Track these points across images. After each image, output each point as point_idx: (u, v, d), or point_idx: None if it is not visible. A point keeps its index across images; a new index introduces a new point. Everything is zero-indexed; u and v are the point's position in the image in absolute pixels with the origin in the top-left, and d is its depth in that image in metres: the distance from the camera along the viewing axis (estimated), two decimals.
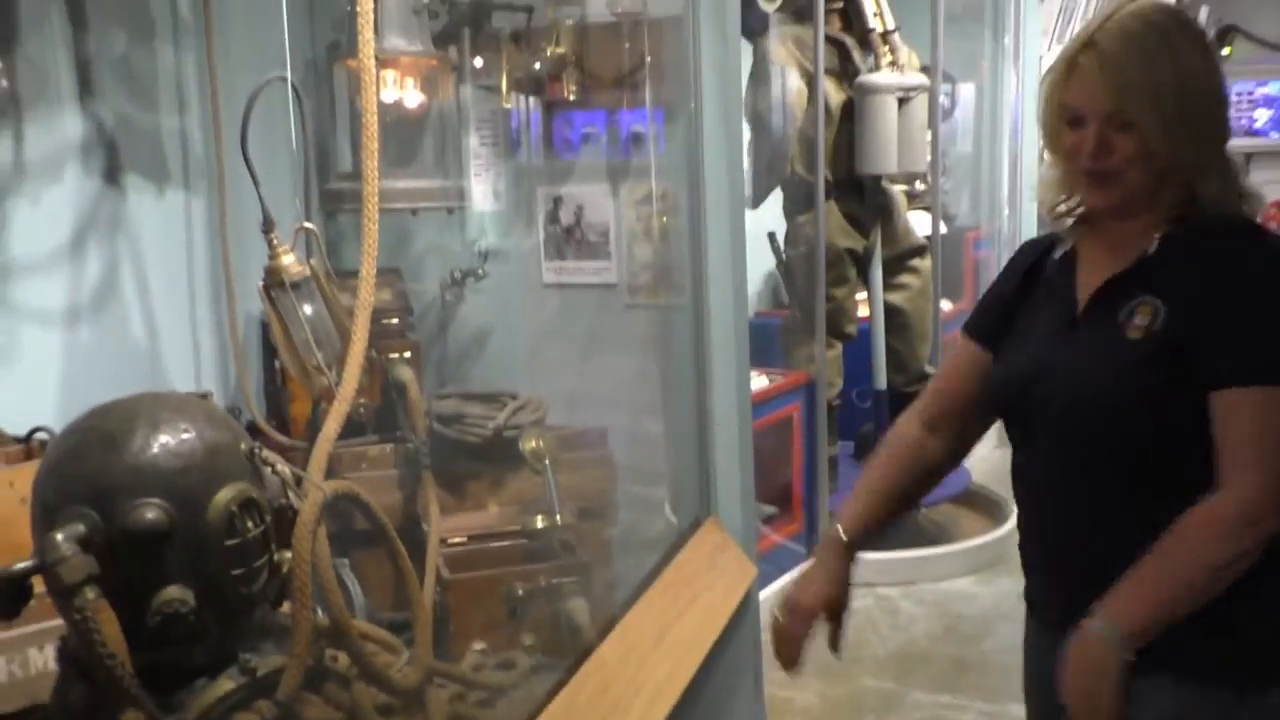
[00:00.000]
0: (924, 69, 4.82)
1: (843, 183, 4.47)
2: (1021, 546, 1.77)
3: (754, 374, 4.04)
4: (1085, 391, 1.57)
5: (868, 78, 4.41)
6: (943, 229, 5.69)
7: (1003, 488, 5.11)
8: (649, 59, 2.76)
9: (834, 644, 1.89)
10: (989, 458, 5.82)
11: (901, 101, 4.39)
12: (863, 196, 4.60)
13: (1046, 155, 1.69)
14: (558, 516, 2.60)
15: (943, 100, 5.90)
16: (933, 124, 5.19)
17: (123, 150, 2.79)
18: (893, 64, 4.44)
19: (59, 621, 1.58)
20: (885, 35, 4.46)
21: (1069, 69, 1.56)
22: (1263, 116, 11.94)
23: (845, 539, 1.87)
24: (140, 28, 2.83)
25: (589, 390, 2.92)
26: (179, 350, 2.94)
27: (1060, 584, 1.68)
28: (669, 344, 2.87)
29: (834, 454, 4.61)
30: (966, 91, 6.63)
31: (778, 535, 4.22)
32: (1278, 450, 1.47)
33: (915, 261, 4.92)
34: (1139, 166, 1.53)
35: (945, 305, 5.39)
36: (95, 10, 2.67)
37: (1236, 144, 11.65)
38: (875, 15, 4.48)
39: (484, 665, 2.11)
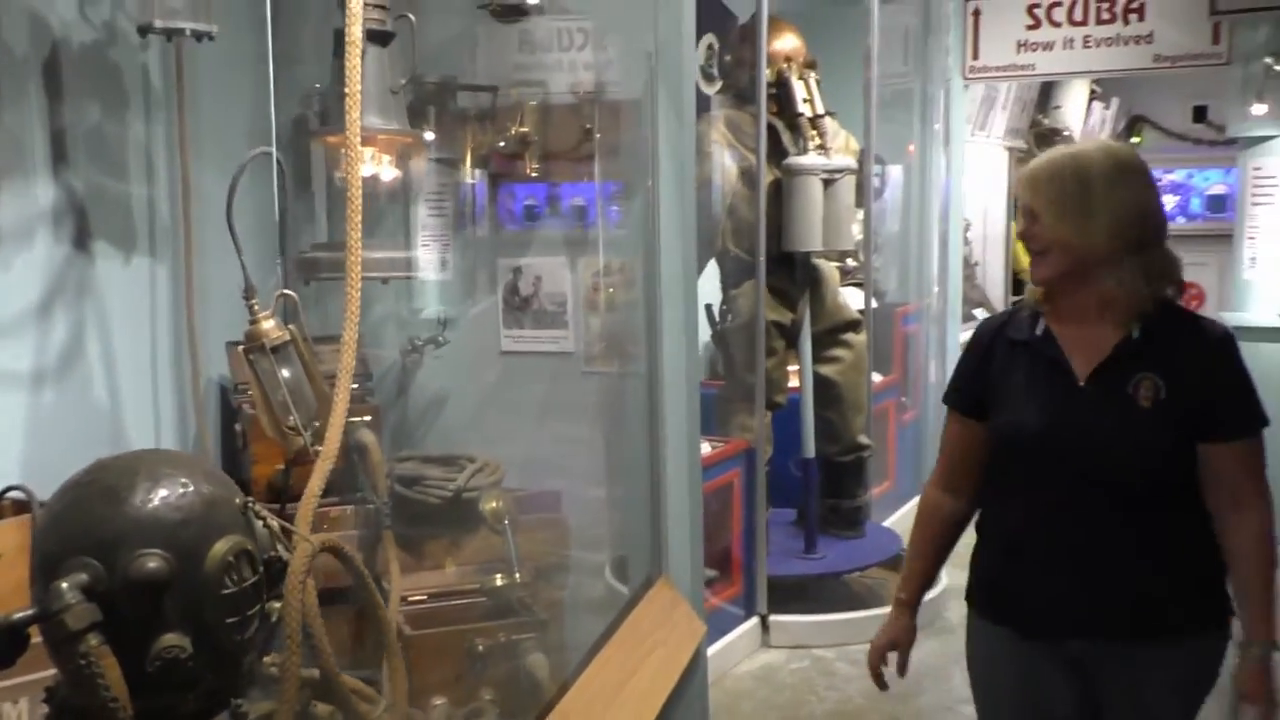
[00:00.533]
0: (861, 152, 5.07)
1: (771, 259, 4.64)
2: (1008, 571, 2.22)
3: None
4: (1107, 444, 2.09)
5: (795, 160, 4.61)
6: (874, 304, 5.92)
7: None
8: (607, 138, 2.92)
9: (901, 670, 2.47)
10: None
11: (827, 183, 4.60)
12: (791, 272, 4.79)
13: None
14: (517, 575, 2.70)
15: (874, 181, 6.17)
16: (865, 204, 5.45)
17: (92, 218, 2.87)
18: (820, 147, 4.65)
19: (32, 676, 1.62)
20: (814, 120, 4.69)
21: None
22: (1170, 202, 12.51)
23: (904, 597, 2.42)
24: (114, 100, 2.92)
25: (545, 454, 3.03)
26: (140, 412, 3.00)
27: (1058, 594, 2.14)
28: (623, 409, 2.99)
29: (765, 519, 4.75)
30: (896, 173, 6.91)
31: (718, 598, 4.33)
32: (1263, 481, 2.10)
33: (848, 335, 5.11)
34: (1054, 252, 2.09)
35: (876, 377, 5.60)
36: (71, 83, 2.76)
37: None
38: (805, 101, 4.71)
39: (453, 716, 2.18)
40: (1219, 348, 2.12)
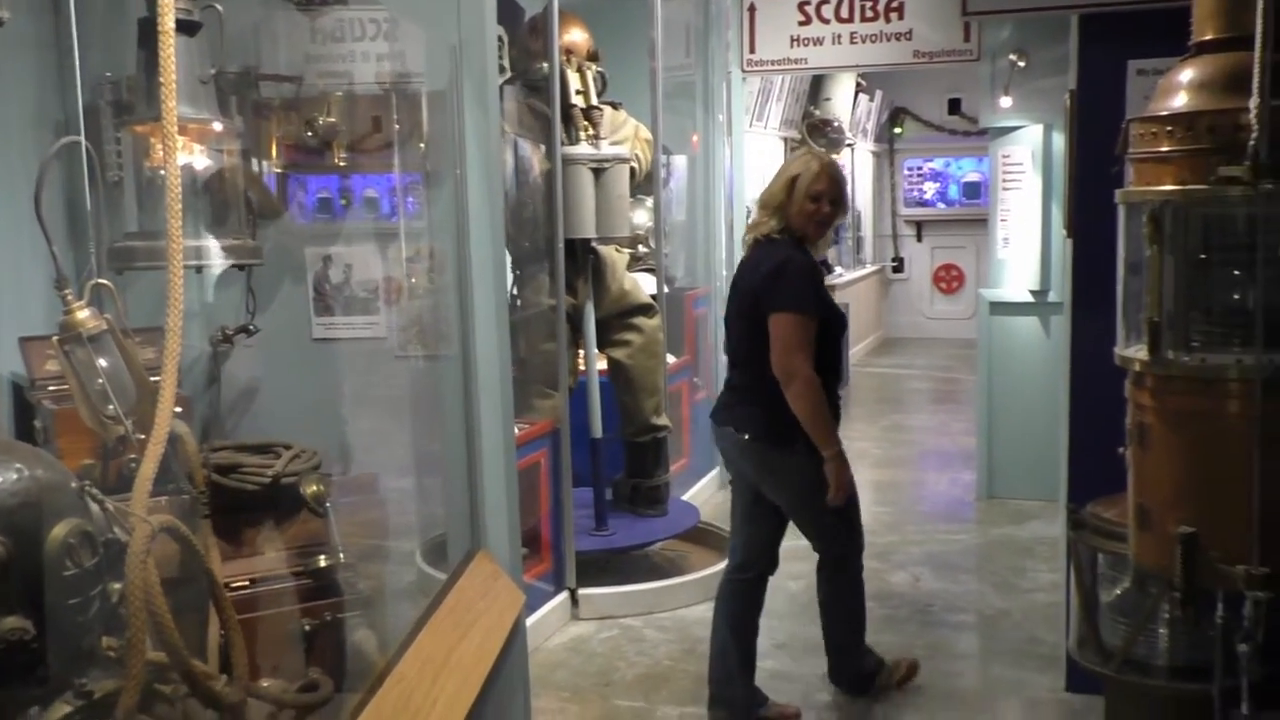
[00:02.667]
0: (650, 142, 5.29)
1: (553, 247, 4.74)
2: None
3: None
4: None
5: (566, 150, 4.72)
6: (665, 289, 6.16)
7: (728, 524, 5.56)
8: (415, 128, 3.00)
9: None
10: (714, 499, 6.32)
11: (597, 172, 4.76)
12: (573, 259, 4.89)
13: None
14: (340, 556, 2.76)
15: (661, 171, 6.41)
16: (655, 192, 5.68)
17: None
18: (593, 138, 4.80)
19: None
20: (586, 111, 4.83)
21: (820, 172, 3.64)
22: (930, 189, 13.36)
23: (840, 448, 3.58)
24: None
25: (361, 439, 3.09)
26: None
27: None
28: (437, 392, 3.08)
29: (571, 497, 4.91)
30: (681, 163, 7.19)
31: (528, 575, 4.45)
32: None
33: (637, 320, 5.27)
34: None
35: (670, 359, 5.84)
36: None
37: (910, 214, 12.79)
38: (578, 93, 4.85)
39: (288, 689, 2.24)
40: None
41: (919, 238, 13.19)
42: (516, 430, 4.52)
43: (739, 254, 7.00)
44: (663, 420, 5.34)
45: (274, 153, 2.93)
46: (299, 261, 3.13)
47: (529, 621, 4.37)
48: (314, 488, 2.81)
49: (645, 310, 5.31)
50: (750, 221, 3.86)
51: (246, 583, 2.74)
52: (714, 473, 6.50)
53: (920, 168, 13.18)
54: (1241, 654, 2.39)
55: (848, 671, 3.92)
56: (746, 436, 3.61)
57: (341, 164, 2.95)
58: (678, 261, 6.91)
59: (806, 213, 3.56)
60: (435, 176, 2.97)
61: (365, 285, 3.08)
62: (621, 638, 4.48)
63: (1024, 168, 6.01)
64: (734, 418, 3.66)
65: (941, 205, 13.29)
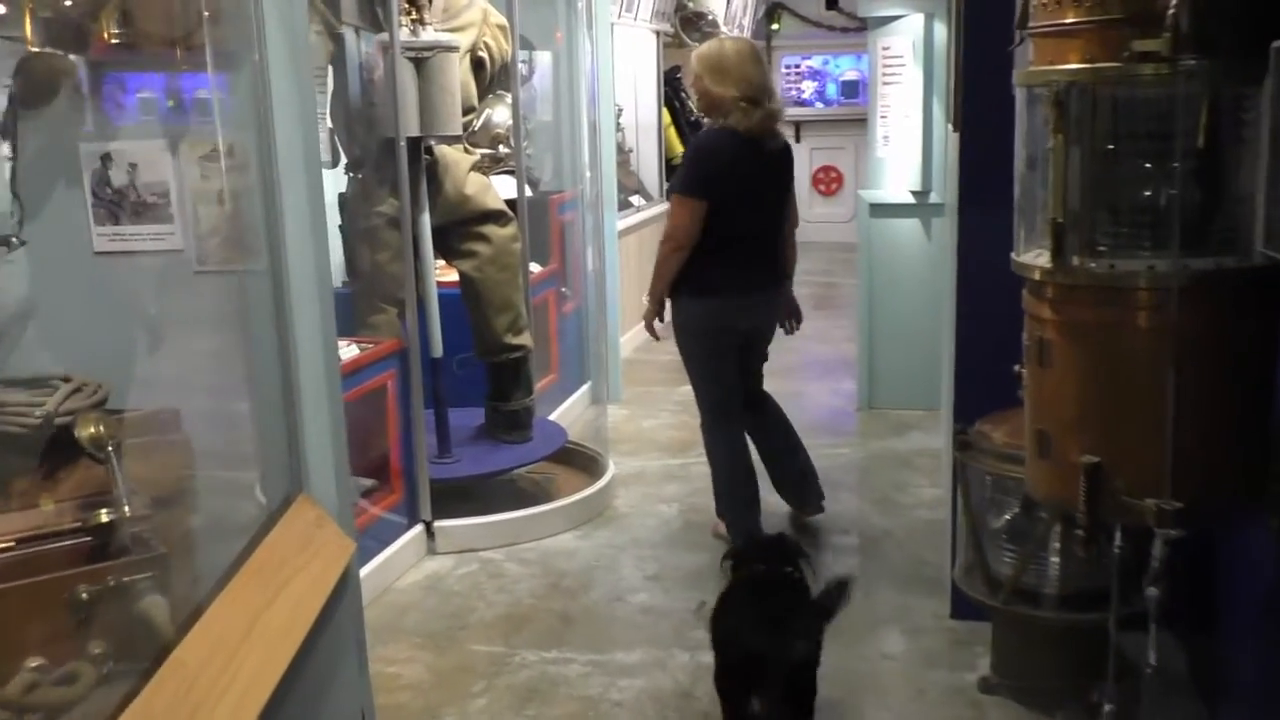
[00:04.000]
0: (503, 29, 4.81)
1: (383, 147, 4.24)
2: None
3: (343, 344, 3.88)
4: None
5: (379, 37, 4.20)
6: (529, 191, 5.74)
7: (598, 443, 5.26)
8: (203, 3, 2.52)
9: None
10: (584, 416, 6.00)
11: (418, 62, 4.19)
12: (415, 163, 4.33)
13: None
14: (126, 508, 2.35)
15: (520, 67, 5.98)
16: (513, 88, 5.21)
17: None
18: (415, 22, 4.22)
19: None
20: None
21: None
22: (808, 88, 13.04)
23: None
24: None
25: (158, 367, 2.65)
26: None
27: None
28: (247, 313, 2.66)
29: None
30: (546, 59, 6.71)
31: (378, 508, 4.09)
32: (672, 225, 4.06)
33: (486, 228, 4.71)
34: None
35: (535, 268, 5.45)
36: None
37: (788, 114, 12.46)
38: None
39: (39, 684, 1.85)
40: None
41: (797, 138, 12.88)
42: (359, 351, 4.12)
43: (605, 157, 6.67)
44: (520, 339, 4.87)
45: (27, 29, 2.44)
46: (76, 160, 2.64)
47: (377, 561, 4.02)
48: (92, 429, 2.37)
49: (495, 218, 4.76)
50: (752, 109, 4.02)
51: (11, 544, 2.32)
52: (584, 389, 6.17)
53: (798, 65, 12.84)
54: (1150, 598, 2.15)
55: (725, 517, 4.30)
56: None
57: (114, 43, 2.47)
58: (544, 164, 6.45)
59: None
60: (229, 60, 2.51)
61: (154, 189, 2.61)
62: (481, 573, 4.15)
63: (904, 60, 5.69)
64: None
65: (820, 105, 12.99)
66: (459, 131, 4.46)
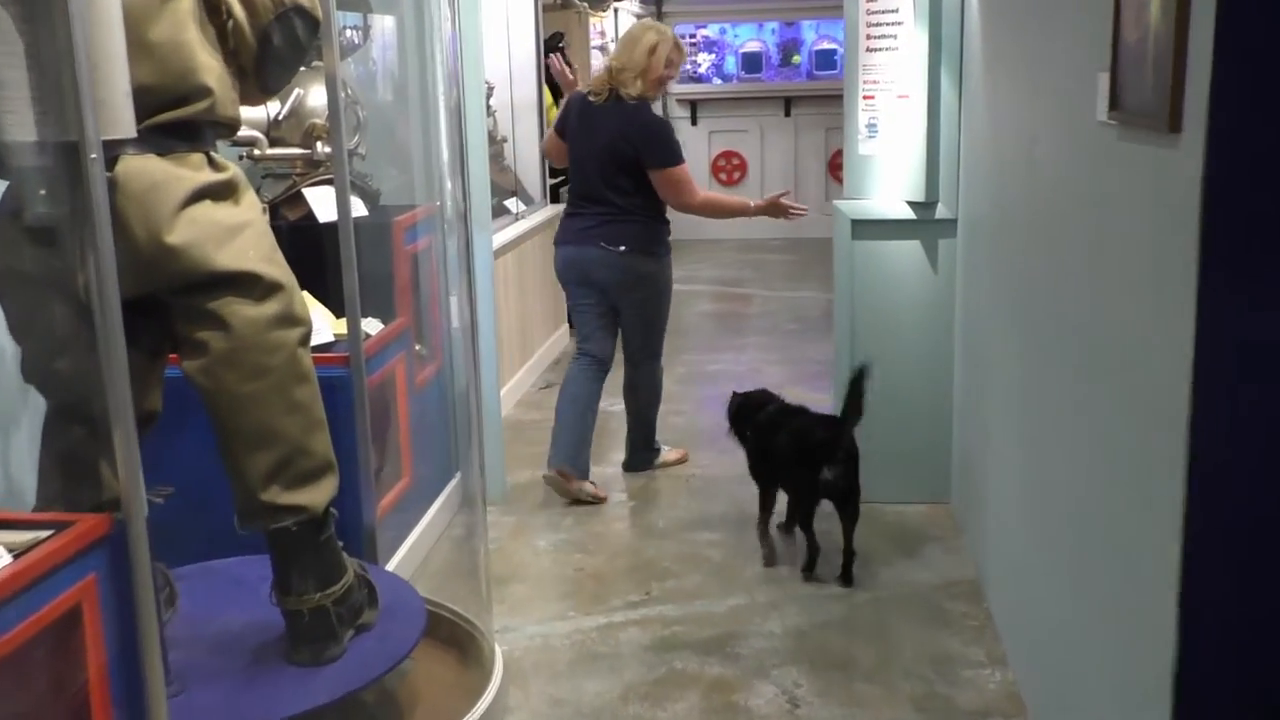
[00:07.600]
0: None
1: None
2: None
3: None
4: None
5: None
6: (362, 209, 3.96)
7: (473, 595, 3.44)
8: None
9: None
10: (450, 532, 4.11)
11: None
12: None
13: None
14: None
15: (350, 33, 4.39)
16: (328, 60, 3.35)
17: None
18: None
19: None
20: None
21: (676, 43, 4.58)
22: (705, 61, 11.35)
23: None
24: None
25: None
26: None
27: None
28: None
29: None
30: (388, 24, 4.87)
31: None
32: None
33: (219, 304, 1.96)
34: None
35: (372, 326, 3.64)
36: None
37: (682, 92, 10.60)
38: None
39: None
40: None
41: (694, 120, 11.19)
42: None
43: (473, 156, 4.82)
44: (298, 497, 2.57)
45: None
46: None
47: None
48: None
49: (237, 285, 2.46)
50: (603, 81, 4.55)
51: None
52: (451, 486, 4.37)
53: (693, 35, 11.12)
54: None
55: (637, 455, 4.93)
56: (622, 249, 4.46)
57: None
58: (383, 170, 4.57)
59: (662, 78, 4.49)
60: None
61: None
62: None
63: (901, 17, 4.00)
64: (604, 235, 4.48)
65: (718, 81, 11.32)
66: (130, 133, 2.27)
